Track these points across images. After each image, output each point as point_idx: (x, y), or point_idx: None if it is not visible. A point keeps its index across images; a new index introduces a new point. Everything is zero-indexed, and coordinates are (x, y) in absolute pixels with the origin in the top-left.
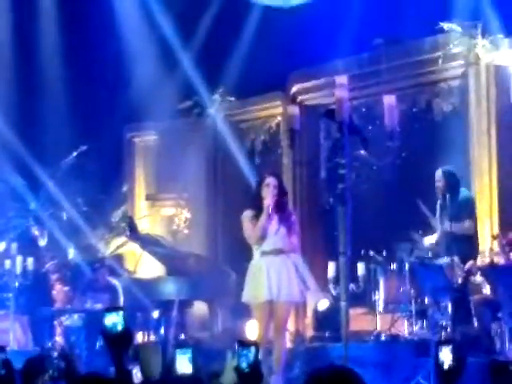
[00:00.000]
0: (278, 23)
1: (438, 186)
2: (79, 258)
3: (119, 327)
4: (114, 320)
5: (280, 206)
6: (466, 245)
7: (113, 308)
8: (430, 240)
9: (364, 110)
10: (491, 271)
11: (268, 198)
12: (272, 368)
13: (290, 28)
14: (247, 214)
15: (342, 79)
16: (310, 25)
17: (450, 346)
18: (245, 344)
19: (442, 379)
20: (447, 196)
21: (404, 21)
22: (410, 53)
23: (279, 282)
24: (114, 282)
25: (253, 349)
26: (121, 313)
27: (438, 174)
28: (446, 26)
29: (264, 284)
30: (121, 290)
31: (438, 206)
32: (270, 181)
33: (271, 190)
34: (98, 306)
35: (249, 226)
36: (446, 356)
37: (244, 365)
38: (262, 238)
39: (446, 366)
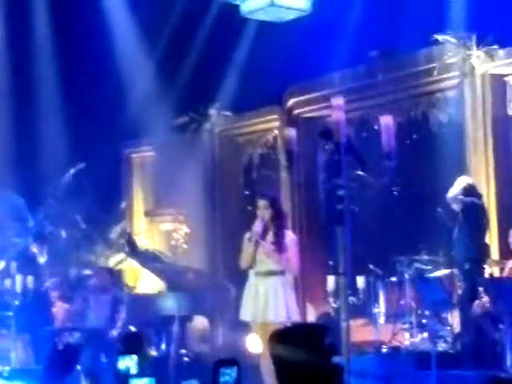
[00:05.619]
0: (274, 37)
1: None
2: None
3: (133, 371)
4: (128, 364)
5: (272, 228)
6: None
7: (126, 352)
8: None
9: (360, 122)
10: (490, 284)
11: (256, 223)
12: None
13: (286, 42)
14: (245, 237)
15: (338, 100)
16: (305, 38)
17: None
18: (226, 363)
19: None
20: None
21: (399, 33)
22: (406, 64)
23: (265, 304)
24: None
25: (235, 368)
26: (134, 357)
27: None
28: (440, 37)
29: (249, 305)
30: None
31: None
32: (260, 203)
33: (261, 212)
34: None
35: (243, 250)
36: None
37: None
38: (252, 263)
39: None
